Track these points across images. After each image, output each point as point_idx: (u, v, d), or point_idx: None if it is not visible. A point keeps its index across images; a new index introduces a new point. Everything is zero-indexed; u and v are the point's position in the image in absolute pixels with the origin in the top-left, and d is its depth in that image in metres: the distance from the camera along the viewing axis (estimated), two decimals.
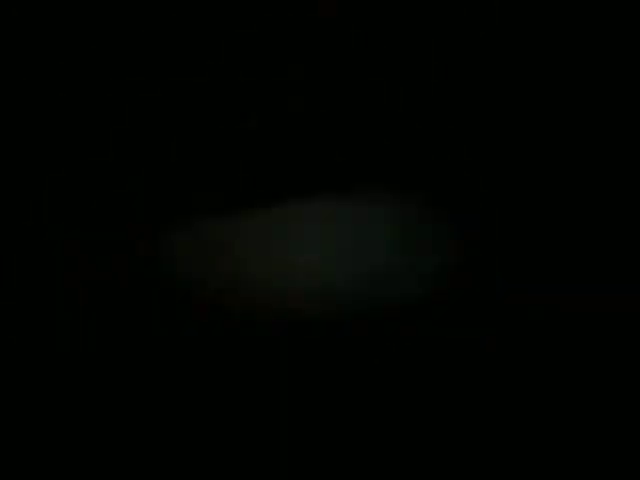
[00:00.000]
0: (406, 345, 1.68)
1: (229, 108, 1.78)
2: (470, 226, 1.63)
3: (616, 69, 1.60)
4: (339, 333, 1.69)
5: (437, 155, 1.68)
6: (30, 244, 1.86)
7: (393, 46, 1.69)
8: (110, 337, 1.84)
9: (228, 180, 1.80)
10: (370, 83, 1.71)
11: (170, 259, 1.77)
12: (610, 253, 1.62)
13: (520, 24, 1.65)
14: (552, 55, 1.63)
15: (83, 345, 1.85)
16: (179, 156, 1.80)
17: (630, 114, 1.58)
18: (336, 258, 1.71)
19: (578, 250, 1.63)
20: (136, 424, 1.82)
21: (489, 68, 1.63)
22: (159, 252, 1.79)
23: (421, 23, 1.68)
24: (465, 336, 1.63)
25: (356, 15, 1.73)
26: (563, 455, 1.64)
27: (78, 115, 1.85)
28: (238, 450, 1.75)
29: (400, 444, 1.69)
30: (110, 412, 1.84)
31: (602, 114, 1.59)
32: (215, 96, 1.79)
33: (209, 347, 1.81)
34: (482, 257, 1.64)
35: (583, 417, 1.64)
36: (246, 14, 1.77)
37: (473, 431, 1.66)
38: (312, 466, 1.70)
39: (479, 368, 1.65)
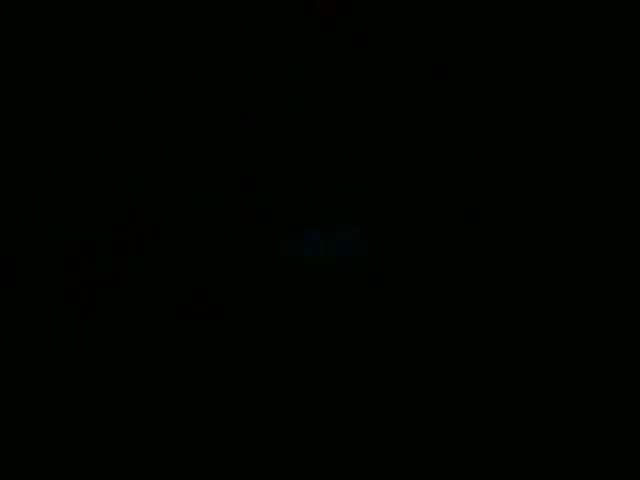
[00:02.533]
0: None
1: (229, 108, 1.78)
2: (467, 224, 1.63)
3: (616, 69, 1.60)
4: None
5: (436, 155, 1.67)
6: (30, 244, 1.86)
7: (393, 46, 1.69)
8: (110, 337, 1.84)
9: (228, 180, 1.79)
10: (370, 83, 1.71)
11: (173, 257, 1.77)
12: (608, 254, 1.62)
13: (520, 24, 1.64)
14: (552, 56, 1.62)
15: (83, 345, 1.85)
16: (179, 156, 1.80)
17: (630, 114, 1.58)
18: (333, 255, 1.71)
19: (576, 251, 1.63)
20: (135, 423, 1.82)
21: (489, 68, 1.63)
22: (160, 251, 1.79)
23: (421, 23, 1.68)
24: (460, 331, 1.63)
25: (356, 15, 1.73)
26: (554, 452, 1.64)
27: (78, 115, 1.85)
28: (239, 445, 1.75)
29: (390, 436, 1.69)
30: (110, 412, 1.84)
31: (600, 116, 1.59)
32: (215, 96, 1.78)
33: (208, 346, 1.81)
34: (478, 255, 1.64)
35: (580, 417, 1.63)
36: (246, 14, 1.77)
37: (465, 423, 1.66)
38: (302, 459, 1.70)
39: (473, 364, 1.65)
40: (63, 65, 1.77)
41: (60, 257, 1.85)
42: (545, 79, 1.58)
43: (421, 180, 1.64)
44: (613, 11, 1.59)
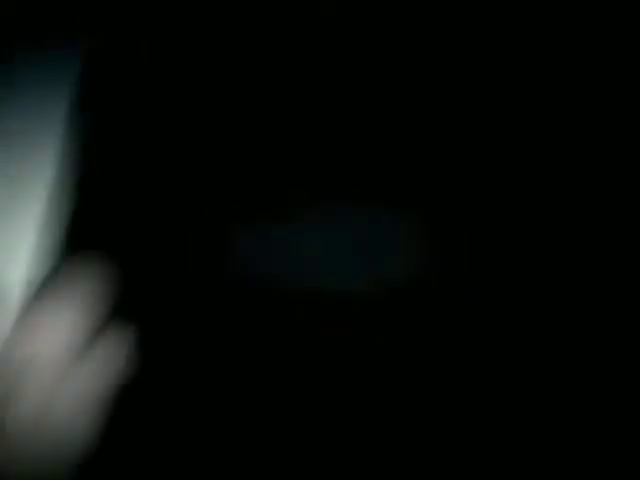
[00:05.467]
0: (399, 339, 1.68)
1: (228, 108, 1.78)
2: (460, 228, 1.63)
3: (616, 70, 1.60)
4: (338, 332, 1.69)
5: (436, 157, 1.68)
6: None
7: (393, 46, 1.69)
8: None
9: (228, 179, 1.80)
10: (370, 84, 1.71)
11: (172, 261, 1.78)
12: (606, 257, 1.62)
13: (520, 24, 1.65)
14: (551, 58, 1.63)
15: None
16: (178, 156, 1.80)
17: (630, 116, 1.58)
18: (335, 260, 1.71)
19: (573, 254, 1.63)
20: (133, 425, 1.82)
21: (490, 70, 1.63)
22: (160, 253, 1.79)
23: (422, 23, 1.68)
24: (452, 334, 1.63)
25: (356, 15, 1.73)
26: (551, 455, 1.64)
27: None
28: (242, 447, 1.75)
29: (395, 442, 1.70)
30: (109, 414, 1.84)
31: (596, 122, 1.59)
32: (214, 96, 1.79)
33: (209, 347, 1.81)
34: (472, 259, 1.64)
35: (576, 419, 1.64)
36: (246, 14, 1.77)
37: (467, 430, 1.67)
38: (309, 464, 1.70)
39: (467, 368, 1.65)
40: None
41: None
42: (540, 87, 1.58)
43: (418, 184, 1.65)
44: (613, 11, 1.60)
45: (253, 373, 1.74)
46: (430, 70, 1.63)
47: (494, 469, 1.71)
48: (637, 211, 1.67)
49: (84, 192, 1.54)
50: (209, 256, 1.76)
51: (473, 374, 1.71)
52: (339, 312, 1.72)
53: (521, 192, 1.71)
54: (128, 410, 1.65)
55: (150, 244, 1.73)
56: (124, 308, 1.48)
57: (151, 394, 1.68)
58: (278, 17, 1.72)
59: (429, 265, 1.71)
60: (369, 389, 1.75)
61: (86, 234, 1.53)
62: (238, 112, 1.78)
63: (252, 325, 1.74)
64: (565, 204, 1.71)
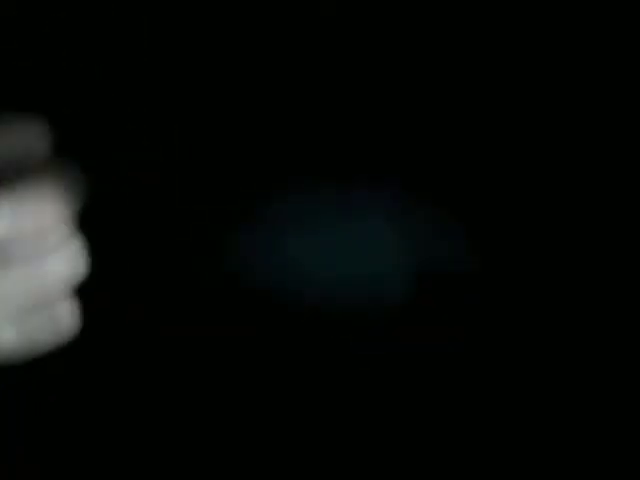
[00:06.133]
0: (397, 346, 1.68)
1: (227, 108, 1.78)
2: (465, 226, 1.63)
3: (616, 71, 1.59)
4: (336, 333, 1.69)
5: (436, 156, 1.67)
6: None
7: (393, 46, 1.69)
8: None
9: (226, 178, 1.79)
10: (370, 83, 1.71)
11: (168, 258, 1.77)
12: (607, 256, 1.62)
13: (520, 24, 1.64)
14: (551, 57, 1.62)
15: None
16: (176, 155, 1.80)
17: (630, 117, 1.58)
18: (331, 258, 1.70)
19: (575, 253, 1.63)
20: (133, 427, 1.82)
21: (490, 69, 1.63)
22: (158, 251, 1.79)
23: (423, 23, 1.68)
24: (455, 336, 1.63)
25: (356, 15, 1.72)
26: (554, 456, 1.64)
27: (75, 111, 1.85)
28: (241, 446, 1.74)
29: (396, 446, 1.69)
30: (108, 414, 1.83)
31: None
32: (213, 96, 1.79)
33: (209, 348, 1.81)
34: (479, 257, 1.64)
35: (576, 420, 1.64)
36: (245, 13, 1.77)
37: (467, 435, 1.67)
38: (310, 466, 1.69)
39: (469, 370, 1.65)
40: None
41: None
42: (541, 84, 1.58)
43: (418, 180, 1.64)
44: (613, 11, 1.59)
45: (250, 373, 1.74)
46: (431, 69, 1.63)
47: (494, 469, 1.71)
48: (637, 211, 1.68)
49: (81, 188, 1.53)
50: (205, 257, 1.76)
51: (473, 374, 1.71)
52: (337, 312, 1.72)
53: (522, 191, 1.71)
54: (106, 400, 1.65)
55: (144, 243, 1.72)
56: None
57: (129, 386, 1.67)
58: (278, 16, 1.72)
59: (429, 265, 1.71)
60: (368, 388, 1.75)
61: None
62: (236, 113, 1.78)
63: (251, 325, 1.73)
64: (566, 204, 1.72)
